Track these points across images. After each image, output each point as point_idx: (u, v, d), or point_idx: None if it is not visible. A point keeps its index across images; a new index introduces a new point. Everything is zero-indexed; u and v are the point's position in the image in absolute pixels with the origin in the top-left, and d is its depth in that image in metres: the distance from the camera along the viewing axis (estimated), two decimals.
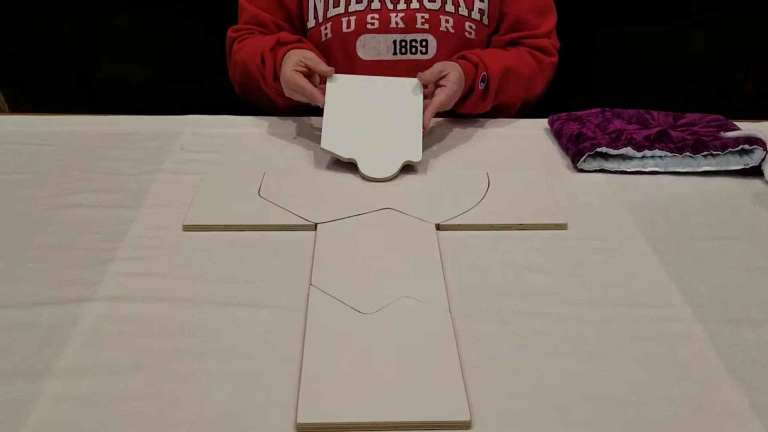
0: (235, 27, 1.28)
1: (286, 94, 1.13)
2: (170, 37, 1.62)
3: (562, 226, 0.89)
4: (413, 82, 1.12)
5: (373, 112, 1.09)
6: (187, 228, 0.87)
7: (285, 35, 1.20)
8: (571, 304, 0.75)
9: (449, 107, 1.14)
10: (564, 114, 1.17)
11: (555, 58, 1.28)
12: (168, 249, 0.84)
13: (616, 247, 0.86)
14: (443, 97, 1.10)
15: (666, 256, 0.84)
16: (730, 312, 0.75)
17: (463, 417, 0.60)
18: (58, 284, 0.77)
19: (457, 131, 1.18)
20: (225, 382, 0.64)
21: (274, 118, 1.21)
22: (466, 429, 0.59)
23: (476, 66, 1.17)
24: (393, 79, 1.14)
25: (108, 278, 0.78)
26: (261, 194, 0.94)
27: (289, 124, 1.19)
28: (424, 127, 1.07)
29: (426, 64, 1.23)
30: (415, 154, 1.03)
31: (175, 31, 1.61)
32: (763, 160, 1.03)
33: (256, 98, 1.25)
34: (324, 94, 1.09)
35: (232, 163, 1.06)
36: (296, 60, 1.10)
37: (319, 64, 1.11)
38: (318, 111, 1.10)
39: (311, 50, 1.17)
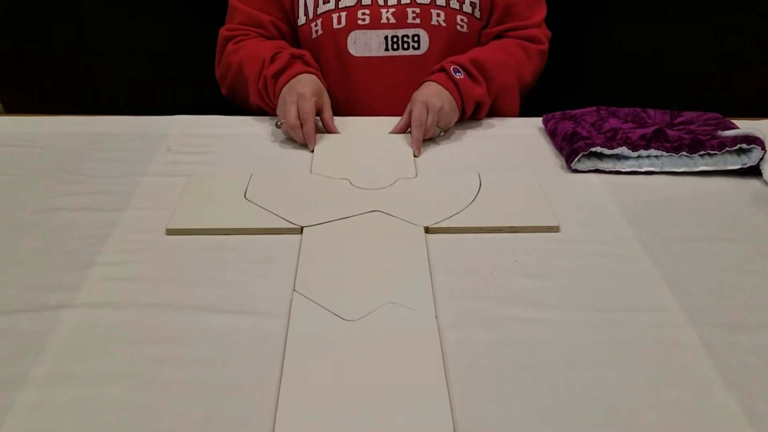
0: (228, 26, 1.27)
1: (277, 110, 1.12)
2: (168, 38, 1.61)
3: (554, 229, 0.88)
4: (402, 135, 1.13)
5: (364, 147, 1.09)
6: (171, 232, 0.86)
7: (291, 48, 1.20)
8: (561, 308, 0.74)
9: (437, 117, 1.10)
10: (558, 113, 1.15)
11: (544, 46, 1.27)
12: (150, 253, 0.82)
13: (609, 249, 0.84)
14: (417, 111, 1.08)
15: (660, 259, 0.82)
16: (725, 316, 0.73)
17: (446, 428, 0.58)
18: (39, 289, 0.76)
19: (449, 131, 1.16)
20: (205, 391, 0.63)
21: (264, 119, 1.20)
22: None
23: (441, 67, 1.16)
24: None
25: (88, 283, 0.77)
26: (247, 197, 0.92)
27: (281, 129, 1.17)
28: (415, 154, 1.07)
29: (418, 60, 1.22)
30: (409, 173, 1.01)
31: (173, 31, 1.61)
32: (761, 159, 1.01)
33: (243, 101, 1.24)
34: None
35: (219, 165, 1.04)
36: (314, 100, 1.09)
37: (331, 120, 1.13)
38: None
39: (318, 76, 1.17)
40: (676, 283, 0.78)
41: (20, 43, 1.61)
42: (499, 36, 1.26)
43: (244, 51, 1.21)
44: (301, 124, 1.07)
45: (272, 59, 1.15)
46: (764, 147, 1.01)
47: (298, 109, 1.08)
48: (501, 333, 0.70)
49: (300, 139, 1.08)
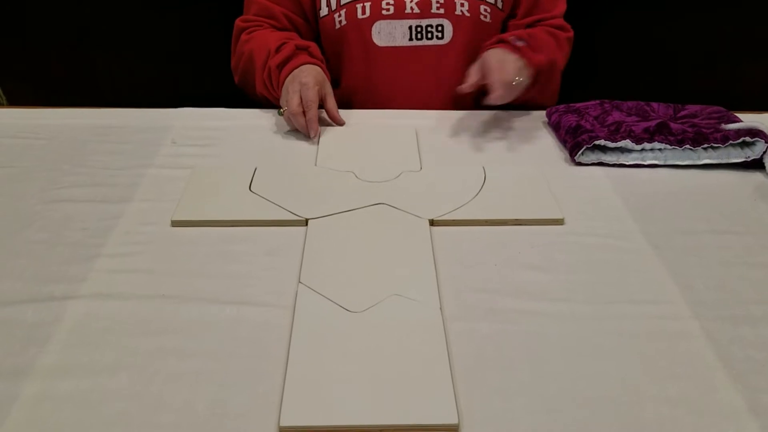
0: (244, 17, 1.28)
1: (280, 100, 1.12)
2: (171, 30, 1.61)
3: (559, 221, 0.88)
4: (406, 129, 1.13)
5: (369, 140, 1.09)
6: (176, 223, 0.86)
7: (298, 39, 1.20)
8: (564, 301, 0.74)
9: (510, 68, 1.07)
10: (562, 106, 1.15)
11: (571, 33, 1.28)
12: (155, 245, 0.82)
13: (613, 242, 0.84)
14: (490, 58, 1.07)
15: (664, 252, 0.82)
16: (729, 309, 0.73)
17: (451, 420, 0.58)
18: (44, 281, 0.76)
19: (454, 124, 1.16)
20: (210, 382, 0.63)
21: (268, 111, 1.19)
22: None
23: (499, 39, 1.16)
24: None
25: (94, 275, 0.77)
26: (252, 189, 0.92)
27: (283, 118, 1.17)
28: (498, 101, 1.03)
29: (442, 50, 1.23)
30: (414, 166, 1.01)
31: (176, 24, 1.61)
32: (764, 152, 1.01)
33: (252, 91, 1.24)
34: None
35: (223, 157, 1.04)
36: (317, 89, 1.09)
37: (334, 110, 1.12)
38: None
39: (322, 67, 1.17)
40: (680, 276, 0.78)
41: (23, 35, 1.61)
42: (527, 27, 1.27)
43: (254, 41, 1.21)
44: (304, 113, 1.07)
45: (277, 50, 1.15)
46: None
47: (300, 98, 1.08)
48: (505, 326, 0.70)
49: (301, 126, 1.08)
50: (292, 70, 1.13)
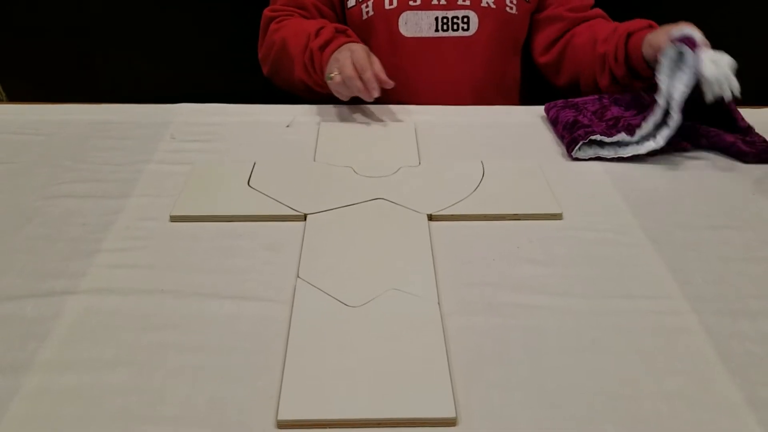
0: (272, 7, 1.29)
1: (327, 69, 1.11)
2: (171, 28, 1.61)
3: (557, 216, 0.88)
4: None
5: (368, 135, 1.09)
6: (175, 219, 0.86)
7: (335, 24, 1.21)
8: (563, 296, 0.74)
9: None
10: (561, 101, 1.15)
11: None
12: (155, 240, 0.82)
13: (611, 237, 0.84)
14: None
15: (663, 246, 0.82)
16: (728, 303, 0.73)
17: (449, 414, 0.58)
18: (43, 276, 0.76)
19: (452, 119, 1.16)
20: (209, 377, 0.63)
21: (267, 107, 1.19)
22: (452, 426, 0.58)
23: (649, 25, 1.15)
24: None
25: (93, 270, 0.77)
26: (251, 184, 0.93)
27: (281, 113, 1.17)
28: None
29: (468, 41, 1.24)
30: (412, 161, 1.01)
31: (176, 21, 1.61)
32: (697, 60, 0.97)
33: (285, 79, 1.25)
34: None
35: (222, 153, 1.04)
36: (365, 54, 1.08)
37: (382, 73, 1.09)
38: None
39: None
40: (678, 271, 0.78)
41: (23, 32, 1.61)
42: (558, 17, 1.28)
43: (286, 29, 1.22)
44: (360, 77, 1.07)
45: (317, 33, 1.16)
46: (693, 46, 0.98)
47: (352, 62, 1.08)
48: (504, 320, 0.70)
49: (358, 89, 1.07)
50: (334, 51, 1.13)
